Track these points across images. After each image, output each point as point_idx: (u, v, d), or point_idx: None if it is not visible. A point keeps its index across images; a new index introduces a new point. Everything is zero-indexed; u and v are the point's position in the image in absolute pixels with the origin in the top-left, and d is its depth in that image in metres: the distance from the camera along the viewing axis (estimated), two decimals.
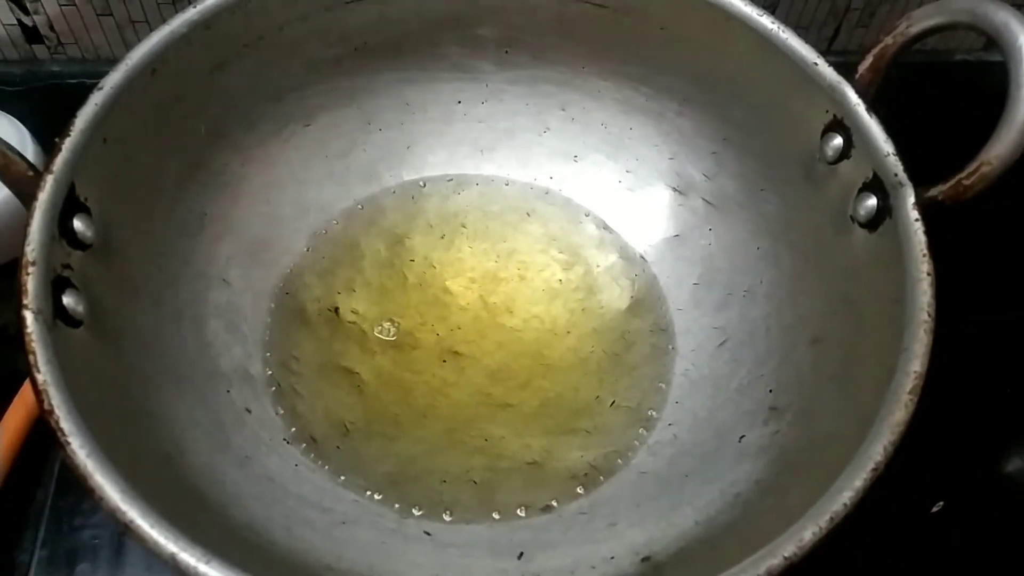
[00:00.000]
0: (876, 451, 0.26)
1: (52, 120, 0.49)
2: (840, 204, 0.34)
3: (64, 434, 0.25)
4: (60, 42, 0.53)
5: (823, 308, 0.34)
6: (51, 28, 0.53)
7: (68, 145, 0.30)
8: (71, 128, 0.31)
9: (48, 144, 0.47)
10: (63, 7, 0.51)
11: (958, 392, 0.41)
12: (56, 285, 0.28)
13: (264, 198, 0.39)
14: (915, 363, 0.27)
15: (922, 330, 0.28)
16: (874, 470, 0.25)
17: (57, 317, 0.28)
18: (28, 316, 0.27)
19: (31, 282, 0.27)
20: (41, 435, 0.39)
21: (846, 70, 0.34)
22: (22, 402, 0.39)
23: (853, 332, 0.32)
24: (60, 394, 0.25)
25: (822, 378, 0.32)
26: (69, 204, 0.30)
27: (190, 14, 0.34)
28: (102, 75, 0.53)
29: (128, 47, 0.53)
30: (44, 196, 0.29)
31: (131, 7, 0.52)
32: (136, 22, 0.53)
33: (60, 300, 0.28)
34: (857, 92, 0.33)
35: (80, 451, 0.24)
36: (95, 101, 0.31)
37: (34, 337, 0.26)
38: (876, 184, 0.32)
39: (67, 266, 0.29)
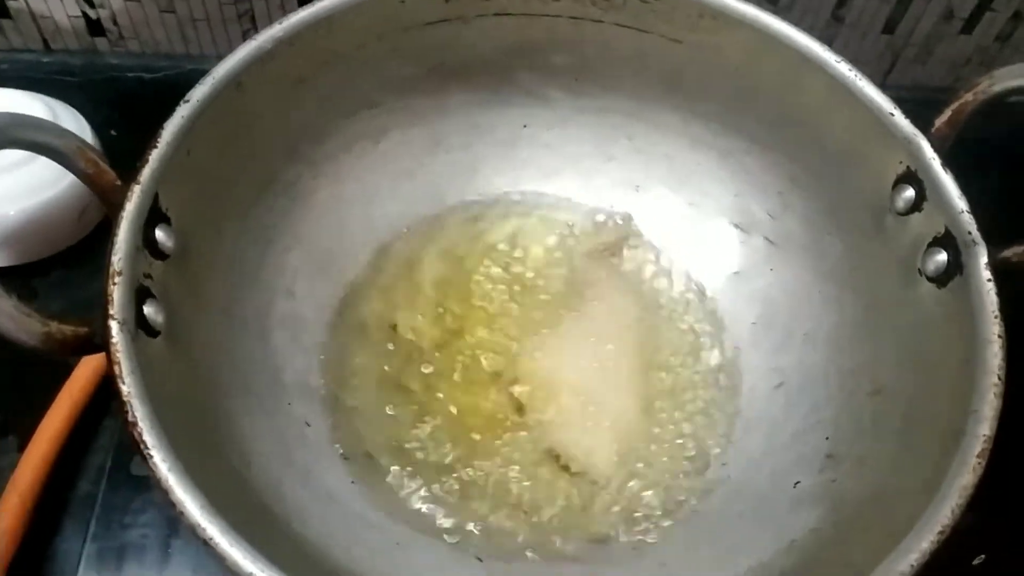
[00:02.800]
0: (944, 513, 0.26)
1: (108, 111, 0.51)
2: (908, 256, 0.34)
3: (147, 447, 0.25)
4: (122, 36, 0.54)
5: (886, 359, 0.34)
6: (114, 22, 0.53)
7: (155, 156, 0.30)
8: (158, 140, 0.31)
9: (105, 134, 0.48)
10: (128, 2, 0.52)
11: (1003, 444, 0.41)
12: (139, 295, 0.29)
13: (332, 212, 0.39)
14: (984, 426, 0.27)
15: (992, 393, 0.28)
16: (941, 533, 0.25)
17: (139, 327, 0.28)
18: (114, 326, 0.27)
19: (117, 292, 0.28)
20: (88, 428, 0.40)
21: (900, 104, 0.34)
22: (68, 394, 0.39)
23: (917, 386, 0.32)
24: (144, 407, 0.26)
25: (883, 430, 0.32)
26: (153, 214, 0.30)
27: (275, 31, 0.34)
28: (160, 69, 0.55)
29: (187, 44, 0.55)
30: (131, 207, 0.29)
31: (194, 6, 0.52)
32: (197, 20, 0.54)
33: (141, 310, 0.29)
34: (932, 146, 0.33)
35: (162, 465, 0.25)
36: (182, 113, 0.32)
37: (119, 348, 0.27)
38: (948, 240, 0.32)
39: (148, 276, 0.30)
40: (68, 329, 0.26)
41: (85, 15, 0.53)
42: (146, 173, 0.30)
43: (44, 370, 0.39)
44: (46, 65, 0.54)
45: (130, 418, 0.25)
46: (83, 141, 0.29)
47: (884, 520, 0.28)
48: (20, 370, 0.40)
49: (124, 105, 0.53)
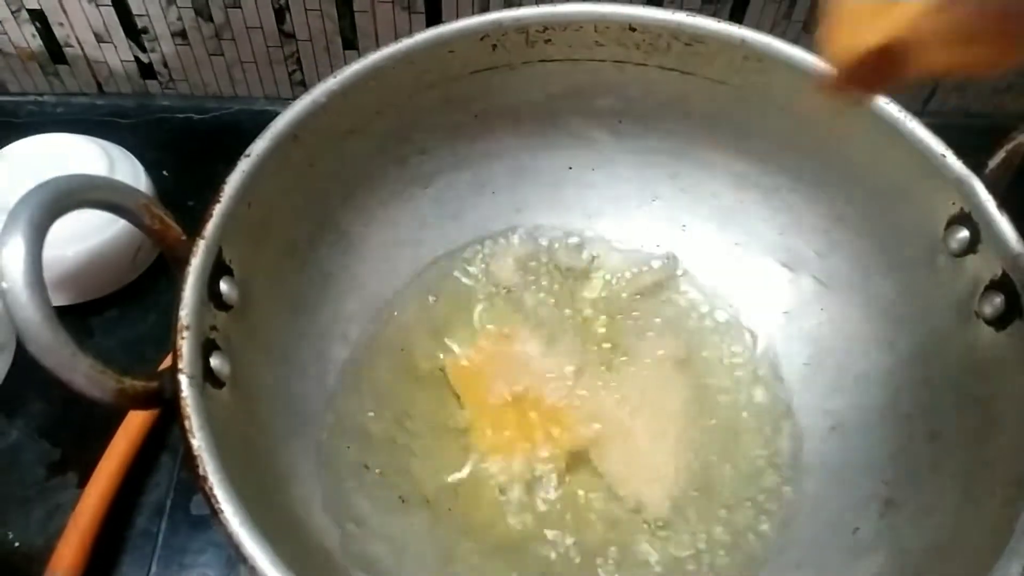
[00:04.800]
0: (1014, 571, 0.25)
1: (160, 152, 0.52)
2: (965, 298, 0.34)
3: (218, 502, 0.26)
4: (172, 78, 0.56)
5: (943, 403, 0.34)
6: (164, 65, 0.55)
7: (218, 211, 0.31)
8: (220, 194, 0.32)
9: (156, 175, 0.49)
10: (178, 46, 0.54)
11: None
12: (205, 347, 0.29)
13: (383, 257, 0.40)
14: None
15: None
16: None
17: (206, 379, 0.29)
18: (183, 380, 0.28)
19: (186, 347, 0.28)
20: (145, 465, 0.40)
21: (941, 131, 0.34)
22: (125, 432, 0.40)
23: (978, 432, 0.31)
24: (213, 461, 0.26)
25: (943, 476, 0.32)
26: (217, 268, 0.31)
27: (330, 84, 0.35)
28: (209, 110, 0.56)
29: (235, 85, 0.56)
30: (197, 261, 0.30)
31: (241, 48, 0.54)
32: (245, 62, 0.55)
33: (208, 362, 0.29)
34: (987, 187, 0.33)
35: (233, 520, 0.25)
36: (243, 168, 0.33)
37: (189, 402, 0.27)
38: (1006, 283, 0.32)
39: (214, 328, 0.30)
40: (140, 384, 0.27)
41: (137, 59, 0.55)
42: (210, 228, 0.31)
43: (102, 407, 0.40)
44: (100, 108, 0.56)
45: (200, 472, 0.26)
46: (148, 197, 0.30)
47: (949, 572, 0.28)
48: (78, 407, 0.41)
49: (175, 146, 0.55)
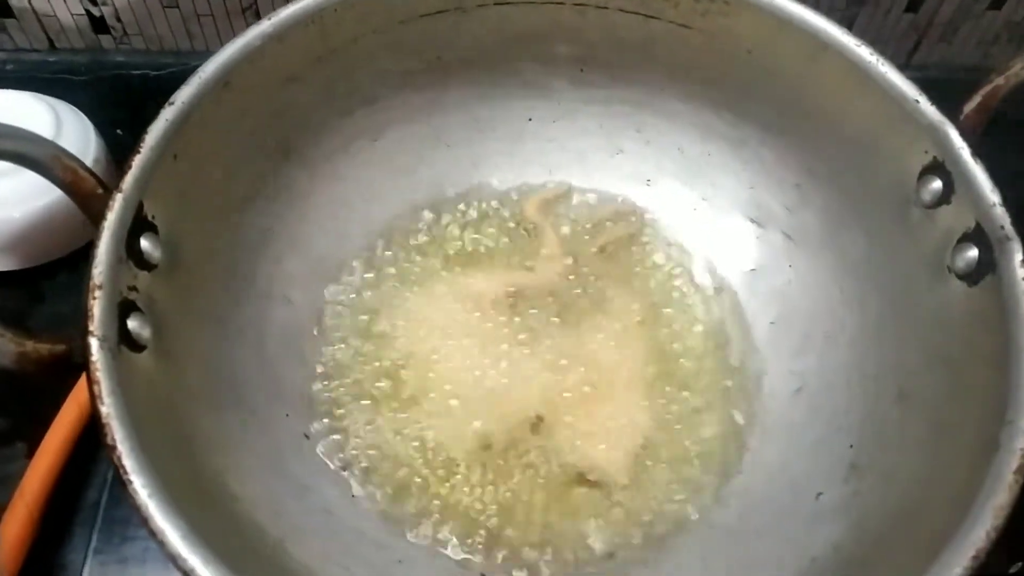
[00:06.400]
0: (978, 536, 0.24)
1: (115, 110, 0.50)
2: (936, 252, 0.32)
3: (127, 472, 0.24)
4: (126, 33, 0.54)
5: (912, 362, 0.32)
6: (117, 19, 0.53)
7: (138, 163, 0.29)
8: (141, 145, 0.30)
9: (111, 134, 0.47)
10: None
11: None
12: (122, 308, 0.28)
13: (330, 214, 0.38)
14: (1021, 439, 0.25)
15: None
16: (975, 558, 0.24)
17: (122, 343, 0.27)
18: (94, 343, 0.26)
19: (98, 307, 0.27)
20: (96, 435, 0.39)
21: (926, 85, 0.32)
22: (75, 402, 0.39)
23: (946, 393, 0.30)
24: (124, 428, 0.25)
25: (909, 439, 0.30)
26: (137, 223, 0.29)
27: (264, 27, 0.33)
28: (165, 66, 0.54)
29: (192, 40, 0.54)
30: (113, 216, 0.28)
31: (197, 1, 0.51)
32: (201, 15, 0.53)
33: (125, 324, 0.28)
34: (961, 134, 0.31)
35: (143, 491, 0.24)
36: (166, 116, 0.31)
37: (99, 366, 0.26)
38: (979, 235, 0.30)
39: (133, 288, 0.29)
40: (44, 348, 0.25)
41: (88, 12, 0.52)
42: (128, 180, 0.29)
43: (52, 376, 0.39)
44: (52, 64, 0.54)
45: (109, 441, 0.24)
46: (58, 148, 0.28)
47: (911, 538, 0.27)
48: (26, 375, 0.40)
49: (130, 103, 0.53)
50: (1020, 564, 0.37)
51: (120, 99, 0.53)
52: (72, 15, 0.53)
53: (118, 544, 0.37)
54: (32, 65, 0.54)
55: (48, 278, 0.44)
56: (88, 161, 0.44)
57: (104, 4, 0.52)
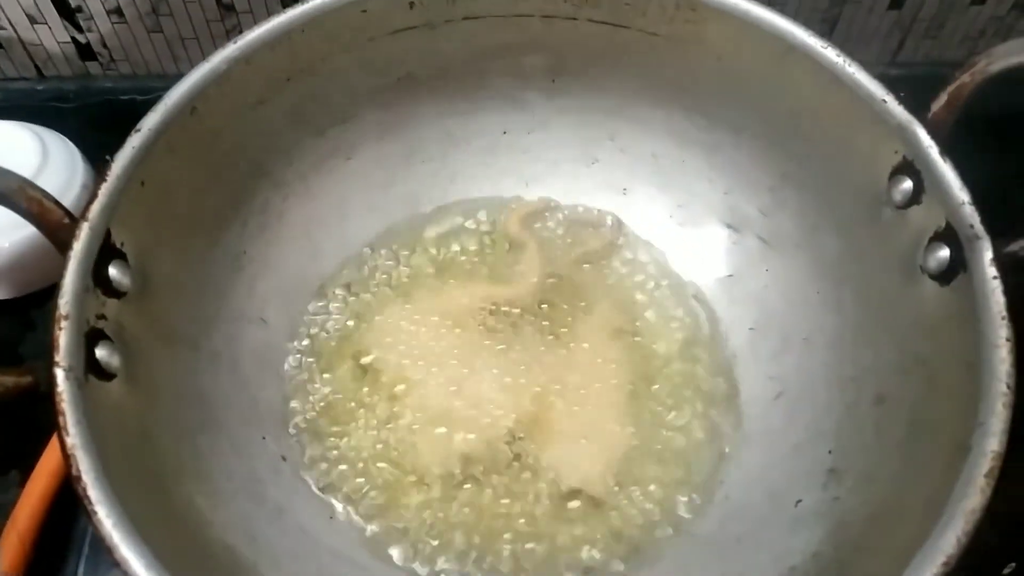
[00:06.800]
0: (948, 542, 0.23)
1: (103, 136, 0.50)
2: (909, 252, 0.32)
3: (91, 503, 0.24)
4: (112, 59, 0.54)
5: (889, 364, 0.32)
6: (104, 45, 0.53)
7: (104, 191, 0.30)
8: (107, 172, 0.30)
9: (99, 158, 0.47)
10: (115, 24, 0.52)
11: None
12: (89, 338, 0.28)
13: (304, 233, 0.38)
14: (992, 441, 0.25)
15: (1000, 404, 0.26)
16: (946, 564, 0.23)
17: (89, 372, 0.27)
18: (59, 374, 0.26)
19: (63, 337, 0.27)
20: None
21: (912, 82, 0.32)
22: (53, 451, 0.39)
23: (922, 394, 0.30)
24: (89, 458, 0.25)
25: (887, 443, 0.30)
26: (105, 252, 0.29)
27: (230, 50, 0.33)
28: (153, 90, 0.53)
29: (178, 63, 0.54)
30: (79, 245, 0.28)
31: (181, 25, 0.52)
32: (186, 39, 0.53)
33: (93, 354, 0.28)
34: (930, 133, 0.31)
35: (107, 520, 0.24)
36: (132, 144, 0.31)
37: (64, 397, 0.26)
38: (949, 234, 0.30)
39: (101, 316, 0.29)
40: (10, 380, 0.25)
41: (74, 40, 0.53)
42: (95, 209, 0.29)
43: (46, 404, 0.39)
44: (40, 93, 0.54)
45: (74, 472, 0.24)
46: (22, 179, 0.28)
47: (887, 543, 0.26)
48: (18, 404, 0.40)
49: (118, 128, 0.52)
50: (1014, 565, 0.37)
51: (108, 125, 0.52)
52: (59, 43, 0.53)
53: (105, 571, 0.37)
54: (20, 94, 0.55)
55: (38, 307, 0.45)
56: (75, 188, 0.44)
57: (90, 31, 0.52)
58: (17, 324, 0.44)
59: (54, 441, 0.38)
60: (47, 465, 0.38)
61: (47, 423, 0.37)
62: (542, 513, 0.34)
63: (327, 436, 0.36)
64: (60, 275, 0.27)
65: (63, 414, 0.25)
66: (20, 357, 0.44)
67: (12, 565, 0.35)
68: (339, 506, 0.34)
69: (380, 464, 0.35)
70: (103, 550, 0.24)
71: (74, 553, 0.38)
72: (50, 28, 0.52)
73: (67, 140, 0.47)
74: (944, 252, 0.30)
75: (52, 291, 0.43)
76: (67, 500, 0.38)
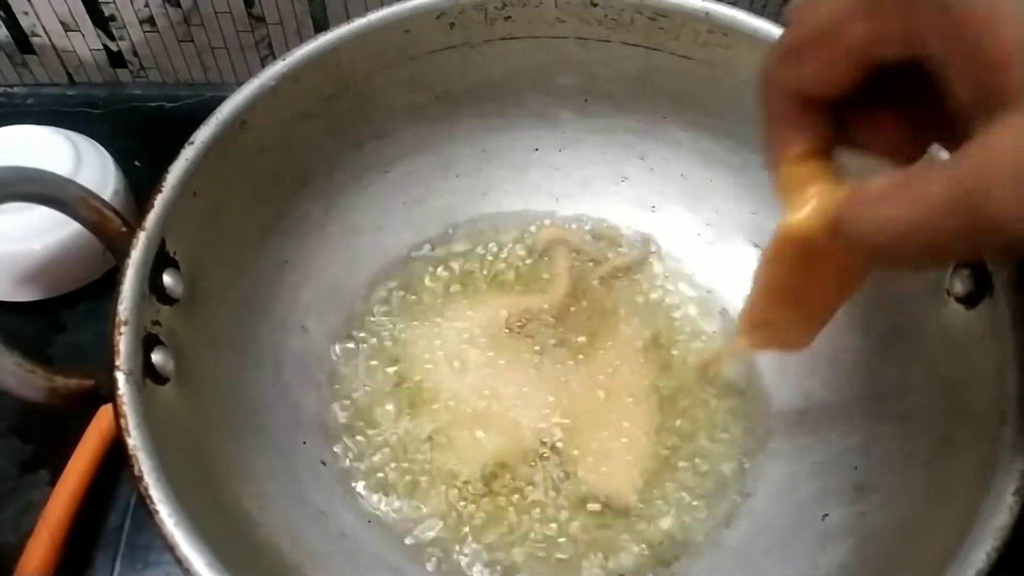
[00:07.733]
0: (978, 558, 0.24)
1: (132, 142, 0.51)
2: (935, 275, 0.32)
3: (153, 502, 0.25)
4: (142, 67, 0.55)
5: (914, 384, 0.33)
6: (134, 53, 0.54)
7: (160, 201, 0.30)
8: (163, 184, 0.31)
9: (128, 165, 0.48)
10: (147, 33, 0.53)
11: None
12: (146, 343, 0.29)
13: (343, 244, 0.39)
14: (1020, 462, 0.26)
15: None
16: None
17: (147, 376, 0.28)
18: (120, 378, 0.27)
19: (123, 342, 0.28)
20: (117, 460, 0.40)
21: None
22: (97, 429, 0.40)
23: (948, 414, 0.30)
24: (150, 460, 0.26)
25: (913, 460, 0.31)
26: (160, 260, 0.30)
27: (279, 67, 0.34)
28: (180, 98, 0.55)
29: (207, 72, 0.55)
30: (137, 254, 0.29)
31: (211, 34, 0.53)
32: (215, 48, 0.54)
33: (149, 358, 0.29)
34: None
35: (168, 520, 0.25)
36: (186, 156, 0.32)
37: (125, 400, 0.27)
38: (975, 260, 0.31)
39: (156, 322, 0.30)
40: (73, 383, 0.26)
41: (106, 48, 0.54)
42: (151, 219, 0.30)
43: (79, 408, 0.39)
44: (71, 98, 0.55)
45: (136, 472, 0.25)
46: (84, 189, 0.29)
47: (914, 559, 0.27)
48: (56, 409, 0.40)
49: (147, 135, 0.54)
50: None
51: (137, 131, 0.54)
52: (91, 50, 0.54)
53: (141, 570, 0.38)
54: (52, 99, 0.56)
55: (68, 308, 0.46)
56: (108, 193, 0.45)
57: (121, 39, 0.53)
58: (47, 325, 0.45)
59: (84, 441, 0.39)
60: (77, 465, 0.39)
61: (76, 423, 0.39)
62: (573, 521, 0.35)
63: (364, 442, 0.36)
64: (108, 275, 0.28)
65: (124, 416, 0.26)
66: (50, 358, 0.45)
67: (43, 563, 0.36)
68: (376, 511, 0.34)
69: (415, 470, 0.36)
70: (163, 549, 0.25)
71: (103, 552, 0.38)
72: (83, 36, 0.53)
73: (99, 146, 0.48)
74: (970, 277, 0.31)
75: (80, 293, 0.45)
76: (96, 499, 0.39)
